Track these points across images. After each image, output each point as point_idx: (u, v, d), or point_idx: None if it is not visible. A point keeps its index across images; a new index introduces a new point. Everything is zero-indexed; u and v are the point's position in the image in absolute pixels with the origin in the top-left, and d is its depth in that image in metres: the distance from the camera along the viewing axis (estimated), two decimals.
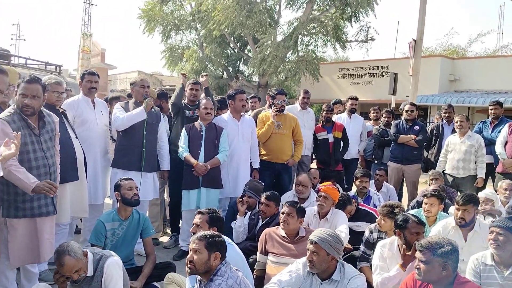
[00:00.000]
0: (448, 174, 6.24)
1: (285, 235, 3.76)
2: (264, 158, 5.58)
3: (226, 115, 5.37)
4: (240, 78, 21.16)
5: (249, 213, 4.68)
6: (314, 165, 6.76)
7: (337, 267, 3.03)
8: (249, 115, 5.93)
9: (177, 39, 22.32)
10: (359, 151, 7.15)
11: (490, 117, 6.65)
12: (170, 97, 5.62)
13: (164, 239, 5.64)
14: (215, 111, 5.41)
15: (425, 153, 7.07)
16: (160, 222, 5.70)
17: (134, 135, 4.73)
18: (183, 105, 5.41)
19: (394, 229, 3.48)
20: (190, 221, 3.56)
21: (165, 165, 5.09)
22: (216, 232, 2.90)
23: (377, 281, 3.43)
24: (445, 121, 6.95)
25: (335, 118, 6.93)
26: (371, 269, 3.70)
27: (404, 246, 3.32)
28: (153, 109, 4.86)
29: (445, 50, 29.04)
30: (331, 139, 6.40)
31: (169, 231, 5.79)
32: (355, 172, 5.85)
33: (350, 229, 4.48)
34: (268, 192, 4.53)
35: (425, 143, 6.78)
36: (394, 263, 3.43)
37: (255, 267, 3.84)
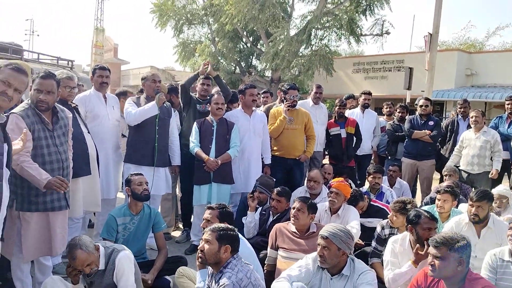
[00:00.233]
0: (462, 170, 6.16)
1: (296, 231, 3.75)
2: (276, 153, 5.57)
3: (238, 110, 5.37)
4: (252, 73, 21.14)
5: (260, 208, 4.68)
6: (326, 160, 6.72)
7: (347, 262, 3.03)
8: (261, 110, 5.91)
9: (190, 33, 22.42)
10: (372, 147, 7.09)
11: (506, 112, 6.53)
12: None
13: (176, 233, 5.67)
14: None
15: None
16: (172, 217, 5.73)
17: (146, 130, 4.75)
18: (195, 98, 5.42)
19: (406, 224, 3.46)
20: (202, 216, 3.58)
21: (176, 160, 5.12)
22: (230, 226, 2.92)
23: (389, 277, 3.40)
24: (460, 116, 6.83)
25: (348, 113, 6.88)
26: (382, 265, 3.68)
27: (418, 244, 3.29)
28: (164, 104, 4.88)
29: (462, 44, 28.64)
30: (343, 135, 6.36)
31: (181, 225, 5.82)
32: (367, 168, 5.80)
33: (362, 225, 4.46)
34: (279, 188, 4.52)
35: (439, 139, 6.69)
36: (406, 259, 3.40)
37: (265, 262, 3.84)
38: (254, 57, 22.54)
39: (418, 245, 3.29)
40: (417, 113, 6.71)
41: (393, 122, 7.06)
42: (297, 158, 5.55)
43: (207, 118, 5.06)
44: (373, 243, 4.08)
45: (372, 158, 7.26)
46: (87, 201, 4.20)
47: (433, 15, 12.23)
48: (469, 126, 6.35)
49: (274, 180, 5.05)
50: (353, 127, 6.43)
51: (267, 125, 5.49)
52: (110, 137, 4.72)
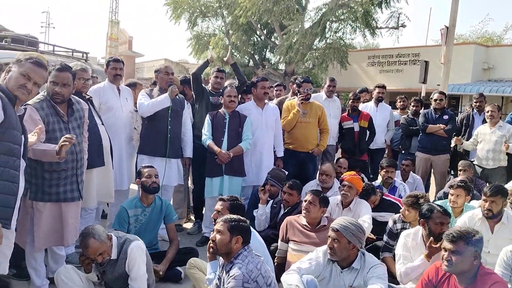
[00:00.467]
0: (477, 165, 6.08)
1: (307, 223, 3.75)
2: (289, 146, 5.56)
3: (250, 103, 5.37)
4: (266, 66, 21.09)
5: (271, 201, 4.68)
6: (339, 154, 6.69)
7: (357, 256, 3.02)
8: (273, 103, 5.89)
9: (203, 26, 22.41)
10: (385, 141, 7.03)
11: None
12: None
13: (188, 225, 5.71)
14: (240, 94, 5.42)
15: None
16: (184, 208, 5.77)
17: (159, 122, 4.79)
18: (208, 91, 5.44)
19: (419, 218, 3.44)
20: (213, 208, 3.59)
21: (188, 152, 5.13)
22: (242, 218, 2.93)
23: (401, 271, 3.39)
24: (475, 111, 6.74)
25: (361, 107, 6.83)
26: (394, 259, 3.66)
27: (431, 238, 3.26)
28: (177, 96, 4.91)
29: (480, 37, 28.17)
30: (356, 128, 6.31)
31: (192, 217, 5.86)
32: (380, 162, 5.76)
33: (374, 219, 4.44)
34: (290, 181, 4.52)
35: (454, 133, 6.61)
36: (418, 253, 3.38)
37: (276, 255, 3.85)
38: (268, 50, 22.47)
39: (431, 238, 3.27)
40: (431, 107, 6.63)
41: (407, 116, 6.98)
42: (310, 152, 5.53)
43: (219, 110, 5.07)
44: (385, 238, 4.07)
45: (386, 152, 7.20)
46: (101, 192, 4.25)
47: (450, 8, 12.04)
48: (484, 121, 6.26)
49: (286, 173, 5.05)
50: (366, 121, 6.38)
51: (279, 118, 5.48)
52: (124, 129, 4.76)
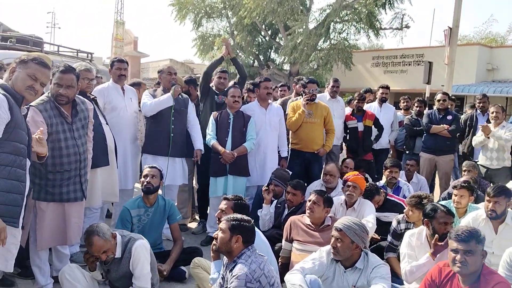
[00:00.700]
0: (481, 165, 6.06)
1: (310, 223, 3.76)
2: (294, 147, 5.57)
3: (254, 104, 5.37)
4: (271, 67, 21.09)
5: (275, 201, 4.69)
6: (343, 154, 6.69)
7: (361, 255, 3.02)
8: (277, 103, 5.90)
9: (208, 27, 22.44)
10: (389, 141, 7.03)
11: None
12: (198, 84, 5.65)
13: (193, 225, 5.72)
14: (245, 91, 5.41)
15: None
16: (189, 208, 5.79)
17: (162, 121, 4.81)
18: (212, 90, 5.45)
19: (423, 218, 3.43)
20: (218, 207, 3.61)
21: (198, 144, 5.01)
22: (246, 217, 2.93)
23: (406, 269, 3.37)
24: (479, 111, 6.72)
25: (365, 107, 6.82)
26: (398, 259, 3.66)
27: (436, 235, 3.25)
28: (180, 96, 4.93)
29: (484, 38, 28.06)
30: (360, 128, 6.31)
31: (197, 217, 5.87)
32: (384, 162, 5.75)
33: (378, 220, 4.43)
34: (294, 181, 4.53)
35: (458, 134, 6.59)
36: (423, 252, 3.37)
37: (280, 255, 3.86)
38: (272, 51, 22.47)
39: (436, 235, 3.26)
40: (435, 107, 6.62)
41: (411, 116, 6.97)
42: (315, 152, 5.54)
43: (223, 111, 5.08)
44: (389, 238, 4.06)
45: (390, 152, 7.19)
46: (105, 192, 4.26)
47: (453, 9, 12.03)
48: (488, 121, 6.24)
49: (290, 173, 5.05)
50: (371, 120, 6.38)
51: (283, 118, 5.48)
52: (128, 129, 4.79)
